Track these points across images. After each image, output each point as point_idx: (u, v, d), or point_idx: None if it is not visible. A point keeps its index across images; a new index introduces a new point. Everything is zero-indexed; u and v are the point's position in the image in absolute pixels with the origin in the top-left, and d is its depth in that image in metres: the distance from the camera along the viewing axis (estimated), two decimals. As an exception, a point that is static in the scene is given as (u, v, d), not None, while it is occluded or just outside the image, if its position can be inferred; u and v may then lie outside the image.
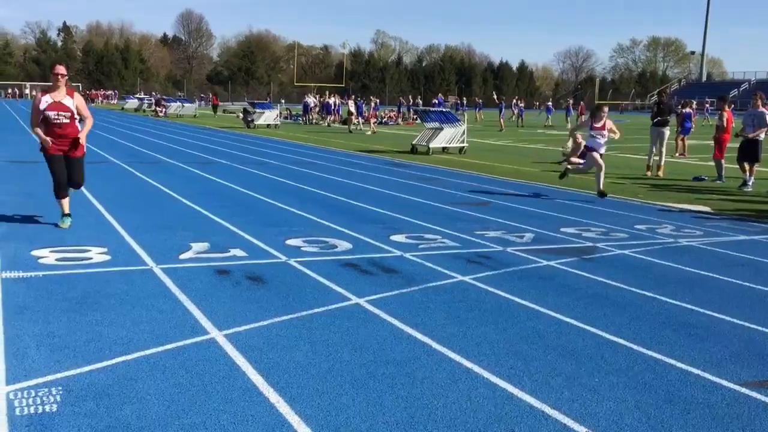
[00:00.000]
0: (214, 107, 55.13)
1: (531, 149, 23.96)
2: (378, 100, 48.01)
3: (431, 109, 28.08)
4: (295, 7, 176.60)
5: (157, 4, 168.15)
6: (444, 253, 7.14)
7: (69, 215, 7.85)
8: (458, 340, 4.55)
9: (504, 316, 5.12)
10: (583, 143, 18.68)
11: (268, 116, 36.28)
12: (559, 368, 4.12)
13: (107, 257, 6.47)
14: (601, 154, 12.00)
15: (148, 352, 4.16)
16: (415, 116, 40.88)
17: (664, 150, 15.97)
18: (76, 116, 7.61)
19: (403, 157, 19.38)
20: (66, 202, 7.82)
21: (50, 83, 7.59)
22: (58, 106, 7.38)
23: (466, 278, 6.15)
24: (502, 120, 39.35)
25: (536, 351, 4.40)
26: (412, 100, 52.46)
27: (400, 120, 45.56)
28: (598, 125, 11.94)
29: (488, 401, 3.63)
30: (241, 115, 39.25)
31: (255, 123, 35.22)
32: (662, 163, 15.82)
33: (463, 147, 21.32)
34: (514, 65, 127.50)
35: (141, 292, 5.41)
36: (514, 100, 49.57)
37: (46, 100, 7.36)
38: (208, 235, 7.62)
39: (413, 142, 21.64)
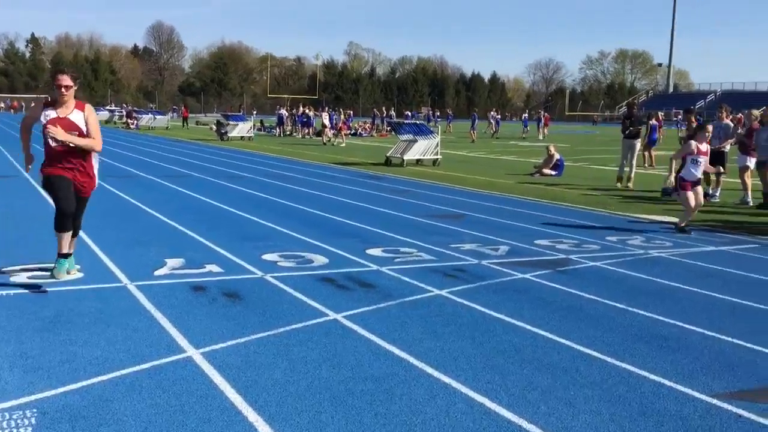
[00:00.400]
0: (184, 119, 54.86)
1: (504, 161, 24.18)
2: (351, 112, 48.10)
3: (405, 121, 28.21)
4: (268, 19, 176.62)
5: (127, 16, 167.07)
6: (420, 266, 7.18)
7: (69, 255, 6.05)
8: (435, 355, 4.58)
9: (480, 330, 5.16)
10: (557, 155, 18.97)
11: (242, 128, 36.16)
12: (536, 382, 4.17)
13: (80, 274, 6.40)
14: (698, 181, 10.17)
15: (123, 371, 4.13)
16: (389, 128, 41.03)
17: (634, 162, 16.21)
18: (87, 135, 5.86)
19: (378, 170, 19.44)
20: (67, 237, 5.91)
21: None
22: (62, 122, 5.68)
23: (443, 292, 6.19)
24: (473, 132, 39.58)
25: (512, 365, 4.44)
26: (385, 112, 52.67)
27: (374, 132, 45.70)
28: (704, 148, 10.15)
29: (466, 416, 3.66)
30: (214, 127, 39.07)
31: (228, 135, 35.09)
32: (632, 175, 16.05)
33: (437, 159, 21.45)
34: (486, 77, 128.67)
35: (115, 310, 5.37)
36: (492, 112, 50.10)
37: (47, 114, 5.70)
38: (183, 251, 7.57)
39: (387, 154, 21.71)
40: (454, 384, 4.09)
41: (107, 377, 4.04)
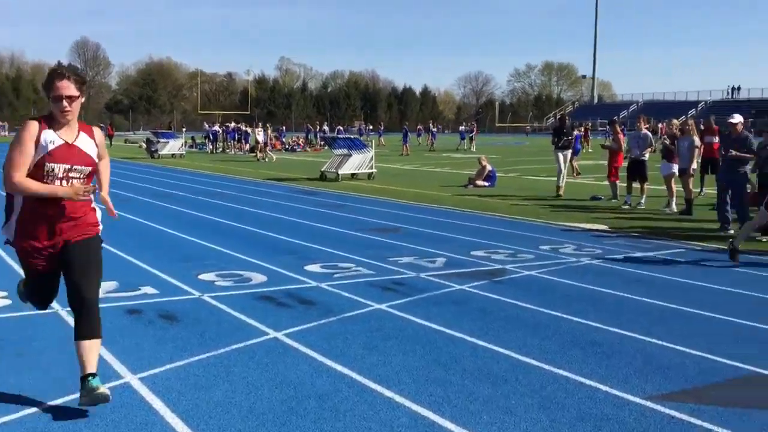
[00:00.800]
0: (109, 137, 53.60)
1: (438, 173, 24.48)
2: (284, 127, 47.70)
3: (339, 135, 28.28)
4: (196, 35, 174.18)
5: (50, 32, 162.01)
6: (359, 281, 7.20)
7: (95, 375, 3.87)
8: (378, 369, 4.61)
9: (421, 342, 5.21)
10: (489, 167, 19.32)
11: (173, 146, 35.54)
12: (477, 392, 4.23)
13: (8, 301, 6.17)
14: None
15: (58, 401, 4.00)
16: (322, 142, 40.97)
17: (565, 171, 16.70)
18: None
19: (313, 185, 19.41)
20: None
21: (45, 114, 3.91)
22: (71, 153, 3.85)
23: (382, 306, 6.22)
24: (407, 146, 39.88)
25: (454, 376, 4.51)
26: (319, 126, 52.62)
27: (307, 147, 45.58)
28: None
29: (410, 431, 3.69)
30: (144, 144, 38.28)
31: (159, 153, 34.43)
32: (563, 184, 16.50)
33: (372, 173, 21.56)
34: (418, 90, 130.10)
35: (48, 337, 5.19)
36: (430, 125, 50.70)
37: (49, 140, 3.80)
38: (116, 274, 7.38)
39: (322, 169, 21.71)
40: (398, 398, 4.12)
41: (42, 407, 3.90)
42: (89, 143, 3.97)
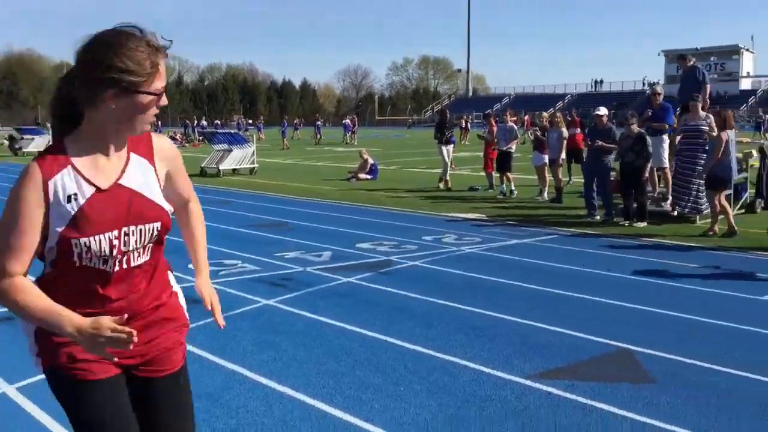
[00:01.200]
0: (-37, 135, 50.02)
1: (320, 167, 24.51)
2: (160, 122, 46.07)
3: (218, 130, 27.71)
4: (59, 25, 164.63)
5: None
6: (245, 278, 7.16)
7: None
8: (269, 364, 4.63)
9: (311, 336, 5.27)
10: (370, 160, 19.55)
11: (40, 142, 33.57)
12: (368, 382, 4.35)
13: None
14: None
15: (-73, 418, 3.77)
16: (201, 138, 39.98)
17: (448, 162, 17.17)
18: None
19: (194, 181, 18.76)
20: None
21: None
22: (117, 205, 1.94)
23: (271, 302, 6.23)
24: (285, 140, 39.70)
25: (345, 367, 4.60)
26: (197, 121, 51.30)
27: (185, 142, 44.34)
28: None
29: (304, 423, 3.75)
30: (6, 141, 35.97)
31: (24, 150, 32.52)
32: (449, 177, 16.96)
33: (254, 167, 21.31)
34: (297, 84, 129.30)
35: None
36: (317, 118, 50.61)
37: (69, 191, 1.87)
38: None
39: (202, 165, 21.22)
40: (290, 392, 4.17)
41: None
42: (147, 173, 2.05)
